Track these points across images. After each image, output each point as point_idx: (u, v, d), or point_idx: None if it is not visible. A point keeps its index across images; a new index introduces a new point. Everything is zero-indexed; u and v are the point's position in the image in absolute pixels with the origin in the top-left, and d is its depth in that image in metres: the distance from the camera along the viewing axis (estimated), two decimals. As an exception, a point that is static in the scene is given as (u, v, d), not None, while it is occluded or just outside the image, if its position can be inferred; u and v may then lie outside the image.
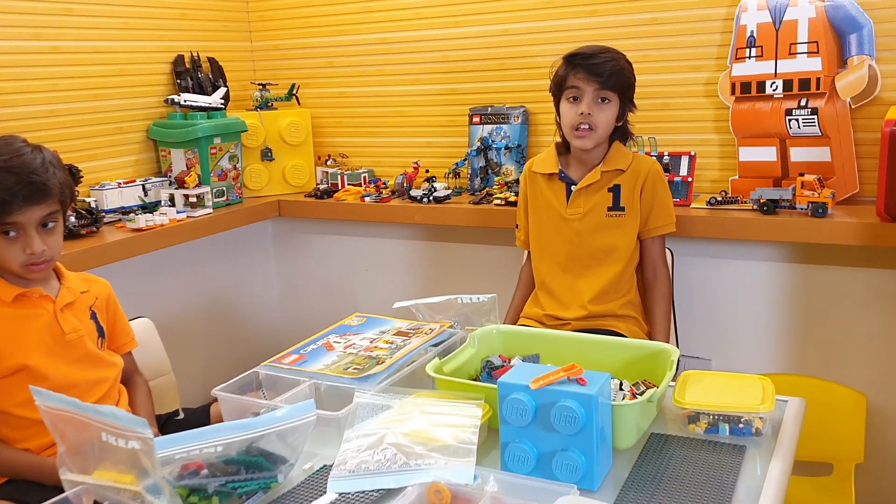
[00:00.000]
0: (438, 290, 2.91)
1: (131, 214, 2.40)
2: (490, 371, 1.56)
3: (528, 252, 2.21)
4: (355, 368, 1.48)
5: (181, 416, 1.87)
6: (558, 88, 2.04)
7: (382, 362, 1.49)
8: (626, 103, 2.05)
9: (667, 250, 2.20)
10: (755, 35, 2.30)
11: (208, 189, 2.58)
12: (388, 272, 3.03)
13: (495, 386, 1.28)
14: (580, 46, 2.04)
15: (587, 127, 1.99)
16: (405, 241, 2.96)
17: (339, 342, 1.62)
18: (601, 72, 1.97)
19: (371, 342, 1.61)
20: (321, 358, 1.55)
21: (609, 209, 2.05)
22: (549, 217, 2.10)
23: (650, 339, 2.09)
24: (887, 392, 2.27)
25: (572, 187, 2.07)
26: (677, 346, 2.24)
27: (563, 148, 2.13)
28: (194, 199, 2.53)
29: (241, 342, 3.13)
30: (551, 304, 2.09)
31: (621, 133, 2.10)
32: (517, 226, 2.25)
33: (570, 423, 1.19)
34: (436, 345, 1.63)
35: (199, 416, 1.79)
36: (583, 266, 2.07)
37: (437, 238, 2.89)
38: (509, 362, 1.58)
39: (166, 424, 1.84)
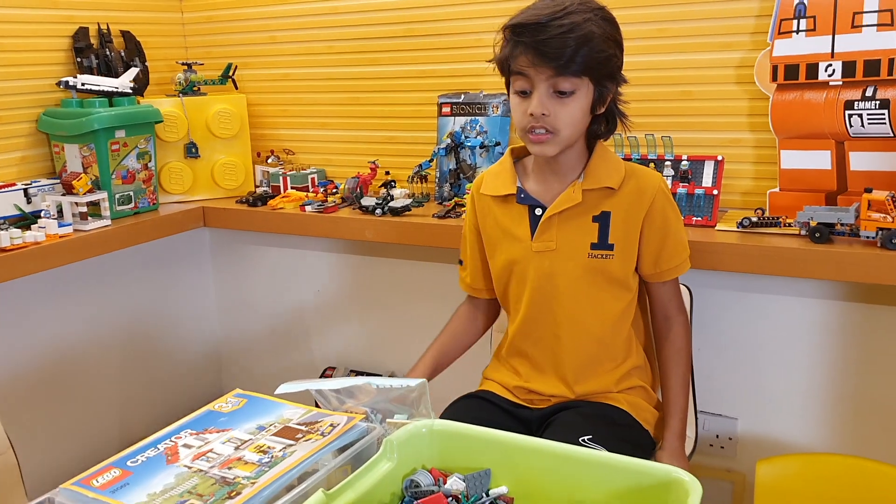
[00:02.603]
0: (403, 315, 2.39)
1: (-2, 228, 1.88)
2: (414, 499, 1.03)
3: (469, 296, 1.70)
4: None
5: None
6: (502, 71, 1.44)
7: (237, 493, 0.96)
8: (605, 84, 1.41)
9: (685, 288, 1.65)
10: (806, 2, 1.73)
11: (105, 195, 2.05)
12: (343, 294, 2.50)
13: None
14: (529, 6, 1.40)
15: (544, 131, 1.39)
16: (363, 258, 2.43)
17: (192, 446, 1.09)
18: (557, 53, 1.32)
19: (238, 447, 1.08)
20: (154, 476, 1.02)
21: (593, 246, 1.46)
22: (510, 252, 1.51)
23: (660, 412, 1.56)
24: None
25: (537, 211, 1.48)
26: (695, 404, 1.72)
27: (521, 151, 1.56)
28: (84, 209, 2.00)
29: (169, 385, 2.62)
30: (527, 370, 1.54)
31: (606, 122, 1.48)
32: (460, 261, 1.68)
33: None
34: (342, 449, 1.09)
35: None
36: (556, 324, 1.50)
37: (401, 255, 2.36)
38: (443, 483, 1.05)
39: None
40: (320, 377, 2.51)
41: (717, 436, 2.04)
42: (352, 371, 2.50)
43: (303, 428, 1.13)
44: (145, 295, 2.51)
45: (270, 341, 2.66)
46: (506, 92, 2.02)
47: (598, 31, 1.34)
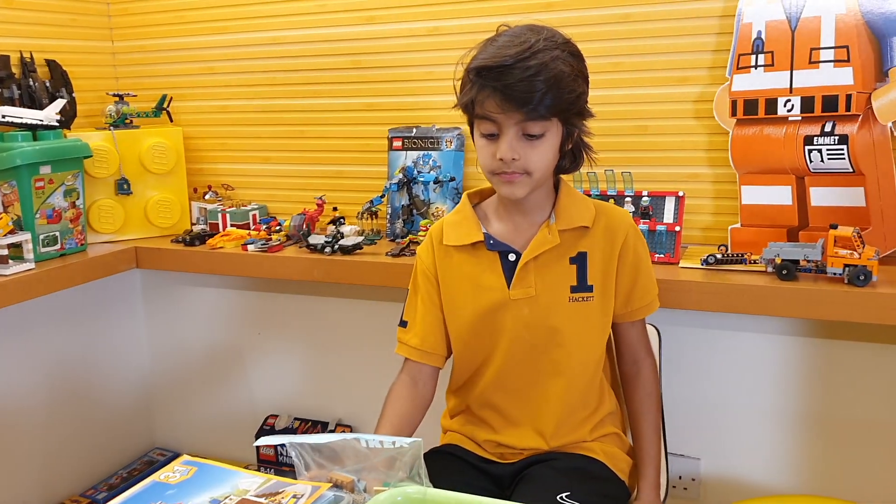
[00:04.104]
0: (354, 358, 2.28)
1: None
2: (389, 578, 0.93)
3: (407, 364, 1.47)
4: None
5: None
6: (466, 111, 1.35)
7: (194, 584, 0.84)
8: (574, 122, 1.34)
9: (653, 329, 1.60)
10: (764, 37, 1.72)
11: (28, 236, 1.89)
12: (287, 337, 2.38)
13: None
14: (495, 35, 1.31)
15: (513, 172, 1.31)
16: (309, 298, 2.31)
17: (137, 526, 0.97)
18: (526, 97, 1.23)
19: (190, 526, 0.96)
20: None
21: (573, 289, 1.38)
22: (482, 303, 1.39)
23: (633, 459, 1.49)
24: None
25: (510, 257, 1.39)
26: (666, 449, 1.65)
27: (479, 195, 1.48)
28: (4, 251, 1.84)
29: (96, 438, 2.44)
30: (499, 423, 1.44)
31: (573, 157, 1.39)
32: (403, 323, 1.49)
33: None
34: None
35: None
36: (537, 373, 1.40)
37: (351, 294, 2.25)
38: (423, 558, 0.95)
39: None
40: (262, 425, 2.37)
41: (680, 477, 1.99)
42: (296, 419, 2.37)
43: (262, 500, 1.01)
44: (72, 343, 2.34)
45: (207, 389, 2.51)
46: (460, 127, 2.00)
47: (567, 70, 1.26)
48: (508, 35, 1.29)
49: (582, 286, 1.38)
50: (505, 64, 1.23)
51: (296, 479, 1.07)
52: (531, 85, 1.23)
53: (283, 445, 1.16)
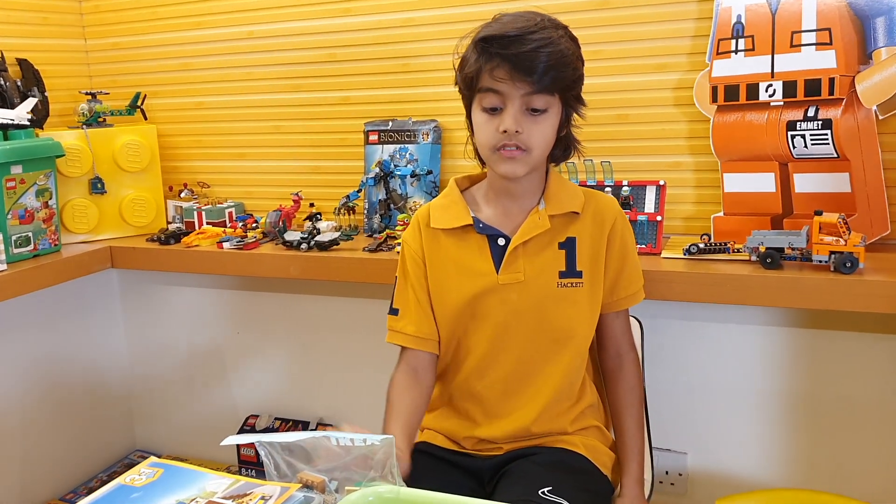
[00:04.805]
0: (333, 356, 2.25)
1: None
2: (361, 581, 0.89)
3: (405, 353, 1.42)
4: None
5: None
6: (468, 87, 1.34)
7: (153, 592, 0.81)
8: (572, 104, 1.35)
9: (635, 322, 1.56)
10: (743, 21, 1.69)
11: (-1, 237, 1.86)
12: (266, 335, 2.34)
13: None
14: (496, 17, 1.33)
15: (515, 147, 1.29)
16: (287, 296, 2.28)
17: (98, 532, 0.93)
18: (532, 67, 1.24)
19: (153, 531, 0.92)
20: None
21: (562, 274, 1.37)
22: (469, 287, 1.37)
23: (616, 453, 1.45)
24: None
25: (500, 241, 1.37)
26: (650, 444, 1.63)
27: (468, 180, 1.46)
28: (-27, 254, 1.80)
29: (76, 441, 2.40)
30: (479, 415, 1.40)
31: (562, 147, 1.39)
32: (394, 311, 1.44)
33: None
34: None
35: None
36: (520, 361, 1.38)
37: (329, 291, 2.22)
38: (395, 560, 0.91)
39: None
40: (242, 426, 2.33)
41: (667, 472, 1.96)
42: (277, 419, 2.33)
43: (229, 503, 0.97)
44: (49, 344, 2.30)
45: (187, 389, 2.47)
46: (436, 120, 1.97)
47: (570, 49, 1.29)
48: (511, 15, 1.31)
49: (571, 271, 1.36)
50: (512, 34, 1.24)
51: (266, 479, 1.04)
52: (538, 56, 1.24)
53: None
